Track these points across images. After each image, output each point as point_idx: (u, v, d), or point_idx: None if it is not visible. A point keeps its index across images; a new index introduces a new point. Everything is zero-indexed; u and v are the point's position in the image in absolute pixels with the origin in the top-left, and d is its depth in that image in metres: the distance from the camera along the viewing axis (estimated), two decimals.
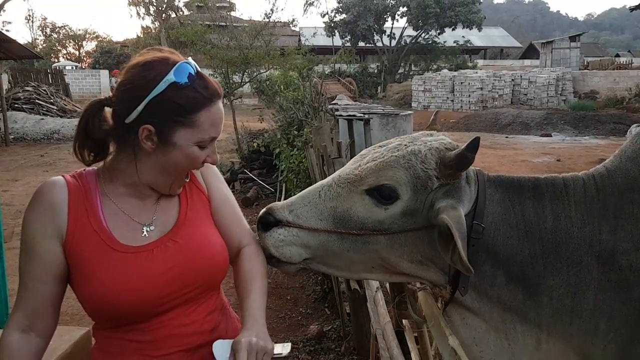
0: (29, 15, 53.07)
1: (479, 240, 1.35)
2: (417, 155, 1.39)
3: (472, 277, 1.36)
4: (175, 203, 1.43)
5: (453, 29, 35.68)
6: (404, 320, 2.30)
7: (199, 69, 1.33)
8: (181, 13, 34.84)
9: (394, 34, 37.52)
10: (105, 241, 1.31)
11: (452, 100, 26.52)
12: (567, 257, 1.34)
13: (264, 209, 1.49)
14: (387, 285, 2.55)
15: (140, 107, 1.26)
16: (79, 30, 54.65)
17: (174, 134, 1.29)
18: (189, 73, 1.29)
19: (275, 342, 1.34)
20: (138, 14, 36.84)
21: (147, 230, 1.37)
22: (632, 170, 1.35)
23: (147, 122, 1.27)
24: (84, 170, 1.41)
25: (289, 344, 1.37)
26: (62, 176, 1.37)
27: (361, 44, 38.11)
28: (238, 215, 1.54)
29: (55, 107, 19.71)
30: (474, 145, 1.30)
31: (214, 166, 1.51)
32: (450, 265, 1.38)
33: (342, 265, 1.48)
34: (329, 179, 1.50)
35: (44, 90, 20.37)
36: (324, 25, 38.56)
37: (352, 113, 7.92)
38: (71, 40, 54.00)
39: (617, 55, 45.20)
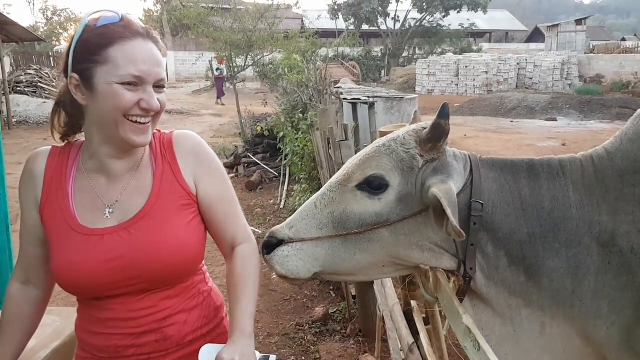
0: None
1: (480, 218, 1.34)
2: (396, 140, 1.42)
3: (478, 258, 1.37)
4: (147, 189, 1.37)
5: (458, 12, 35.31)
6: (412, 302, 2.29)
7: (125, 15, 1.31)
8: None
9: (398, 16, 37.17)
10: (66, 219, 1.34)
11: (457, 84, 26.34)
12: (566, 238, 1.33)
13: (267, 234, 1.48)
14: None
15: (70, 60, 1.29)
16: (81, 13, 54.46)
17: (94, 76, 1.27)
18: (110, 17, 1.29)
19: (262, 353, 1.35)
20: None
21: (108, 212, 1.35)
22: (634, 152, 1.32)
23: (74, 71, 1.29)
24: (77, 140, 1.44)
25: (275, 356, 1.36)
26: (53, 146, 1.44)
27: (365, 27, 37.77)
28: (232, 214, 1.47)
29: (57, 91, 19.64)
30: (444, 112, 1.32)
31: (214, 162, 1.46)
32: (459, 250, 1.38)
33: (354, 270, 1.46)
34: (322, 189, 1.51)
35: (46, 73, 20.29)
36: (327, 7, 38.23)
37: (356, 96, 7.85)
38: (73, 24, 53.68)
39: (623, 39, 44.76)
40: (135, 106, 1.28)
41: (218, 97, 22.54)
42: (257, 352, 1.33)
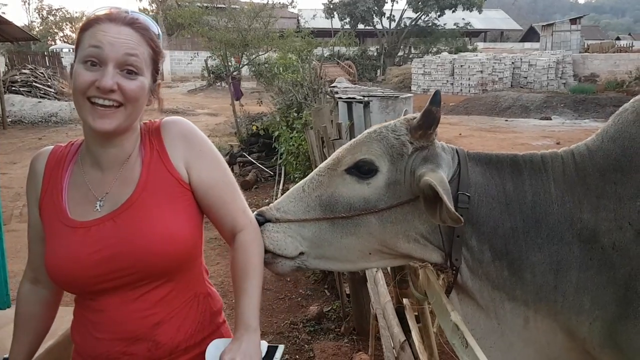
0: None
1: (466, 211, 1.36)
2: (387, 127, 1.45)
3: (463, 252, 1.39)
4: (135, 179, 1.34)
5: (453, 11, 35.40)
6: (404, 300, 2.31)
7: (118, 7, 1.33)
8: None
9: (393, 16, 37.24)
10: (58, 214, 1.34)
11: (452, 84, 26.42)
12: (548, 233, 1.35)
13: (255, 213, 1.49)
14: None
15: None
16: (76, 12, 54.29)
17: (75, 61, 1.30)
18: (99, 10, 1.32)
19: (269, 342, 1.35)
20: None
21: (99, 205, 1.33)
22: (614, 150, 1.34)
23: None
24: (80, 138, 1.44)
25: (282, 346, 1.37)
26: (55, 145, 1.44)
27: (360, 26, 37.82)
28: (229, 198, 1.41)
29: (52, 90, 19.60)
30: (436, 99, 1.35)
31: (205, 145, 1.41)
32: (445, 243, 1.39)
33: (340, 255, 1.46)
34: (310, 174, 1.52)
35: (41, 73, 20.25)
36: (323, 7, 38.22)
37: (351, 96, 7.86)
38: (68, 23, 53.55)
39: (618, 39, 44.89)
40: (92, 86, 1.24)
41: (237, 98, 20.76)
42: (264, 342, 1.32)
